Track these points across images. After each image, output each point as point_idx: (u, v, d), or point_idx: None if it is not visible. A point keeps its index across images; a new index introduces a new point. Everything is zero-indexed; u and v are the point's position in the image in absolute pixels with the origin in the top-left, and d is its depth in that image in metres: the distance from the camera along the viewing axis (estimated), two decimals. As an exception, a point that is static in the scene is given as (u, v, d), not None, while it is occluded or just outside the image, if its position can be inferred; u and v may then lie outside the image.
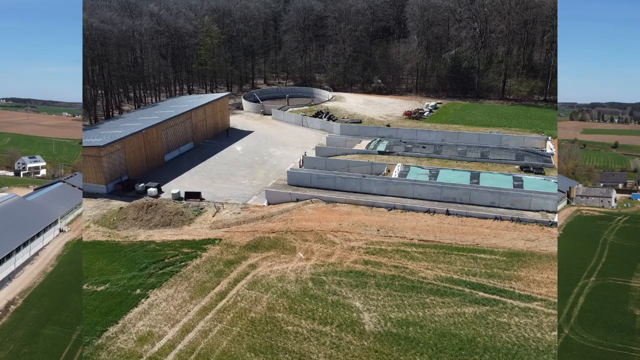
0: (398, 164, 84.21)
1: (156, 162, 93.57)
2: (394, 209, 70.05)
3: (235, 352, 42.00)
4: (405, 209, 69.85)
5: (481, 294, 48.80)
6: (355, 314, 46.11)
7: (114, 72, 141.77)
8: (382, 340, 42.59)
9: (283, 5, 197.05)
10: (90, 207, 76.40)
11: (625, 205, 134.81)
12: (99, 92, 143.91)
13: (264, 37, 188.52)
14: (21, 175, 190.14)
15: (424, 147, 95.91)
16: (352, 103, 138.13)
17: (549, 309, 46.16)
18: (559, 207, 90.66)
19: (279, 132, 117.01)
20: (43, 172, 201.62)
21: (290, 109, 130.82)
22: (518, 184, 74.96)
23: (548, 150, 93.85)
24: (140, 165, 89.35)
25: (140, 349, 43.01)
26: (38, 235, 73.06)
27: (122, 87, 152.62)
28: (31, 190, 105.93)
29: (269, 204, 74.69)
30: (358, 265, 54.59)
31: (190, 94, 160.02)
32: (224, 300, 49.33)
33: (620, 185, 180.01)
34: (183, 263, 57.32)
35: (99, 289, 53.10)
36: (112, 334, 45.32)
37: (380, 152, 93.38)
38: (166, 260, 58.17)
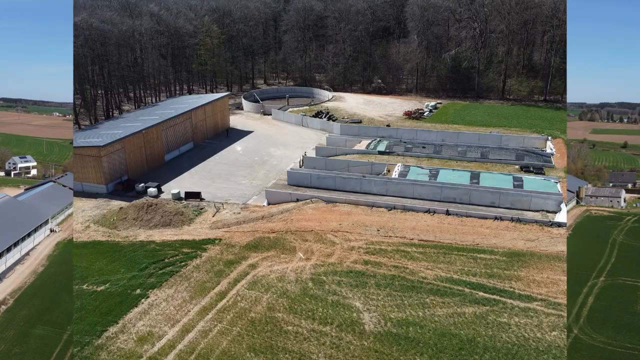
0: (398, 164, 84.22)
1: (156, 162, 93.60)
2: (394, 209, 70.06)
3: (235, 352, 42.02)
4: (405, 209, 69.86)
5: (481, 294, 48.81)
6: (355, 314, 46.11)
7: (114, 72, 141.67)
8: (382, 340, 42.59)
9: (283, 5, 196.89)
10: (90, 207, 76.39)
11: (634, 205, 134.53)
12: (99, 92, 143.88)
13: (264, 37, 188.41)
14: (12, 175, 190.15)
15: (424, 147, 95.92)
16: (352, 103, 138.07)
17: (549, 309, 46.15)
18: (568, 207, 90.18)
19: (279, 132, 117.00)
20: (34, 172, 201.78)
21: (290, 109, 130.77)
22: (518, 184, 74.99)
23: (548, 150, 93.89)
24: (140, 165, 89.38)
25: (140, 349, 43.05)
26: (29, 235, 73.14)
27: (122, 87, 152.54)
28: (22, 190, 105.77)
29: (269, 204, 74.70)
30: (358, 265, 54.58)
31: (190, 94, 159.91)
32: (224, 300, 49.35)
33: (630, 185, 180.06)
34: (183, 263, 57.35)
35: (99, 289, 53.14)
36: (112, 334, 45.37)
37: (380, 152, 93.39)
38: (166, 260, 58.22)
